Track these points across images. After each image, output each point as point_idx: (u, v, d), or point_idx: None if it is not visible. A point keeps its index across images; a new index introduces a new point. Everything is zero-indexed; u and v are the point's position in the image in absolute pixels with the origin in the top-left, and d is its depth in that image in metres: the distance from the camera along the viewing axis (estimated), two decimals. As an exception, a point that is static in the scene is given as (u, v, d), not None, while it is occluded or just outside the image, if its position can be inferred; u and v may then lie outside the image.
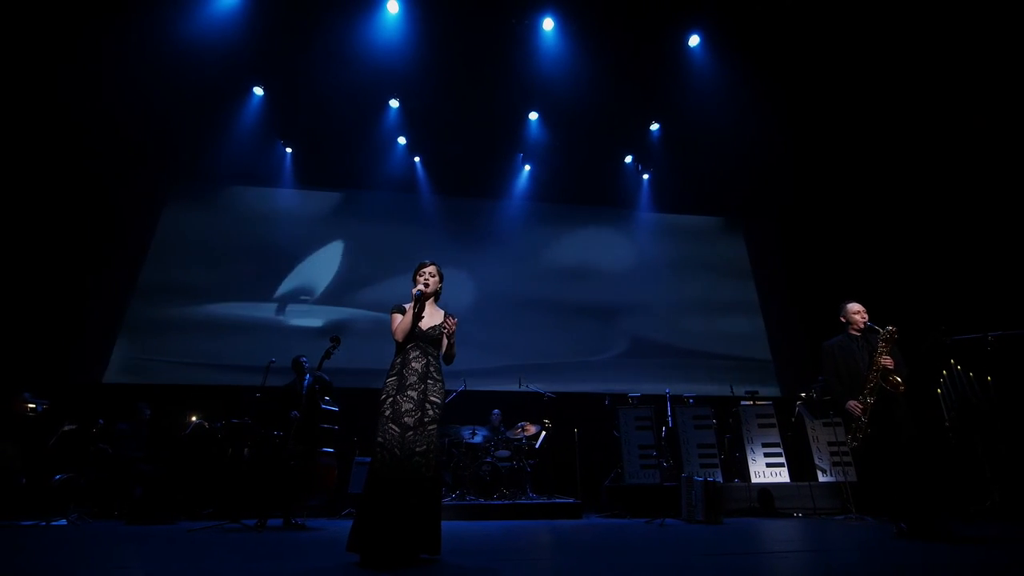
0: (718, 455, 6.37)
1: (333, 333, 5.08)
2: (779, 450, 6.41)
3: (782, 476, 6.28)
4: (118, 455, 5.63)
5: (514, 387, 7.45)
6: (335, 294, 8.59)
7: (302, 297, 8.49)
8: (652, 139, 8.83)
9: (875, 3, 6.36)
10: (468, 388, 6.82)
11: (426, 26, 6.78)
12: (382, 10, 6.66)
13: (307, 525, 4.64)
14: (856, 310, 3.85)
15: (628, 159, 9.42)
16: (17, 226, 7.20)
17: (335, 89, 7.55)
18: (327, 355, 4.65)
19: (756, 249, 10.16)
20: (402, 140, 8.73)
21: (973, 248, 7.06)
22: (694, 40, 7.17)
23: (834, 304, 4.06)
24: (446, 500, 5.72)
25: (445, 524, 2.85)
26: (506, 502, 5.71)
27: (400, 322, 2.85)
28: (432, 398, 2.75)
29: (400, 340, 2.85)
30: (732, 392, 7.62)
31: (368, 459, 5.40)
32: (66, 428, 5.49)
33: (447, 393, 2.99)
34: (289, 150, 8.90)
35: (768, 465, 6.34)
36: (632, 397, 6.71)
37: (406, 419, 2.64)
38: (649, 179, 9.84)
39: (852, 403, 3.61)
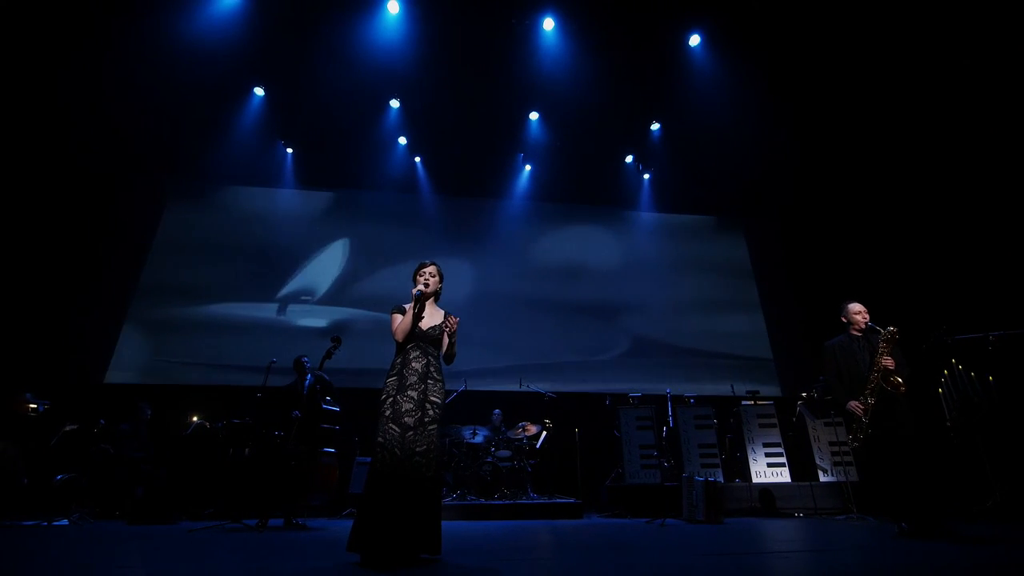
0: (719, 455, 6.36)
1: (334, 333, 5.09)
2: (780, 450, 6.40)
3: (783, 476, 6.27)
4: (120, 455, 5.64)
5: (515, 387, 7.45)
6: (336, 294, 8.60)
7: (303, 297, 8.50)
8: (653, 139, 8.83)
9: (876, 1, 6.35)
10: (469, 388, 6.83)
11: (426, 26, 6.78)
12: (382, 10, 6.66)
13: (308, 525, 4.64)
14: (857, 310, 3.85)
15: (629, 159, 9.41)
16: (19, 226, 7.22)
17: (336, 89, 7.56)
18: (328, 355, 4.66)
19: (757, 248, 10.15)
20: (403, 140, 8.74)
21: (974, 247, 7.05)
22: (695, 40, 7.16)
23: (835, 304, 4.06)
24: (447, 500, 5.72)
25: (446, 524, 2.86)
26: (507, 502, 5.71)
27: (400, 322, 2.85)
28: (432, 398, 2.75)
29: (400, 340, 2.85)
30: (733, 392, 7.62)
31: (369, 459, 5.41)
32: (68, 428, 5.51)
33: (448, 393, 2.99)
34: (290, 150, 8.91)
35: (769, 465, 6.33)
36: (633, 397, 6.71)
37: (406, 419, 2.64)
38: (650, 179, 9.84)
39: (853, 403, 3.62)
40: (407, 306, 2.89)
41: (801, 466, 6.40)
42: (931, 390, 6.07)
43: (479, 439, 6.38)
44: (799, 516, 5.67)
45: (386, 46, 6.88)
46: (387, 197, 9.30)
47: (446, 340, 2.92)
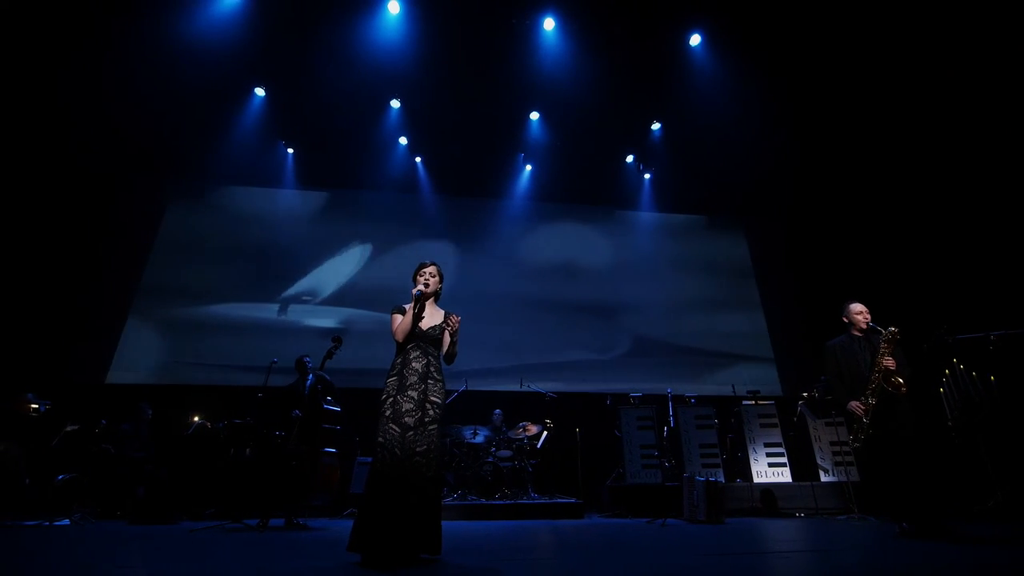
0: (720, 455, 6.36)
1: (335, 333, 5.09)
2: (781, 450, 6.40)
3: (784, 476, 6.26)
4: (121, 455, 5.64)
5: (516, 387, 7.46)
6: (337, 294, 8.60)
7: (304, 297, 8.50)
8: (653, 138, 8.82)
9: (876, 1, 6.34)
10: (470, 388, 6.83)
11: (427, 26, 6.78)
12: (383, 10, 6.67)
13: (309, 525, 4.64)
14: (858, 310, 3.85)
15: (630, 159, 9.41)
16: (21, 227, 7.23)
17: (336, 90, 7.56)
18: (329, 355, 4.66)
19: (758, 248, 10.15)
20: (403, 140, 8.74)
21: (976, 247, 7.04)
22: (695, 39, 7.15)
23: (836, 303, 4.06)
24: (448, 500, 5.72)
25: (447, 524, 2.86)
26: (508, 502, 5.71)
27: (400, 322, 2.86)
28: (433, 398, 2.75)
29: (400, 340, 2.85)
30: (734, 392, 7.61)
31: (370, 459, 5.41)
32: (69, 428, 5.51)
33: (448, 393, 2.99)
34: (291, 151, 8.92)
35: (770, 465, 6.32)
36: (634, 397, 6.70)
37: (406, 419, 2.64)
38: (650, 178, 9.83)
39: (854, 403, 3.62)
40: (407, 306, 2.89)
41: (802, 466, 6.39)
42: (932, 390, 6.06)
43: (480, 439, 6.38)
44: (800, 516, 5.67)
45: (386, 46, 6.88)
46: (388, 197, 9.30)
47: (447, 339, 2.92)
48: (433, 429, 2.70)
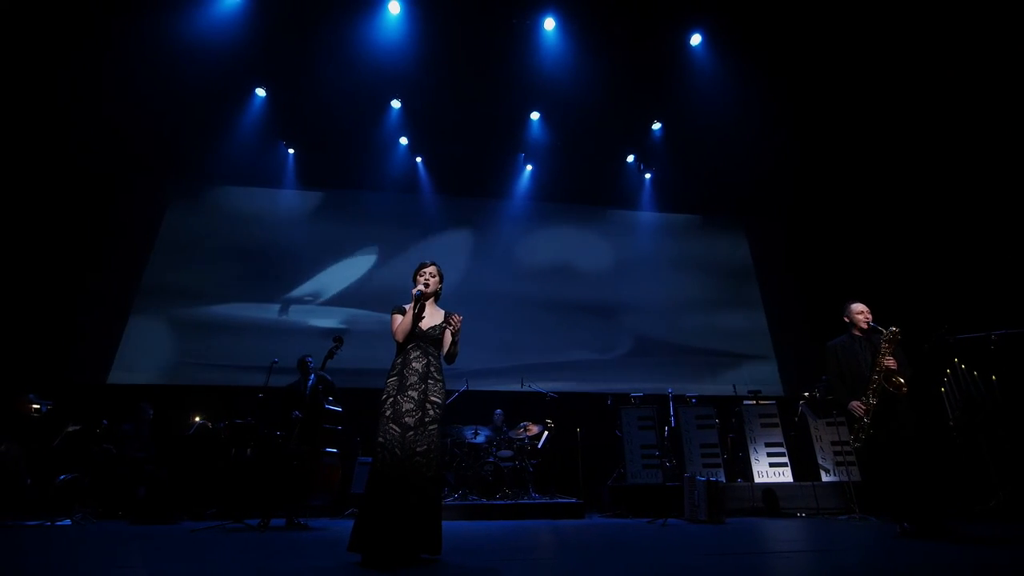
0: (721, 455, 6.36)
1: (336, 333, 5.08)
2: (782, 450, 6.39)
3: (785, 476, 6.26)
4: (122, 455, 5.64)
5: (516, 387, 7.45)
6: (338, 294, 8.61)
7: (305, 297, 8.51)
8: (654, 138, 8.82)
9: (877, 1, 6.33)
10: (470, 388, 6.83)
11: (427, 26, 6.78)
12: (383, 11, 6.67)
13: (310, 525, 4.64)
14: (859, 310, 3.84)
15: (630, 158, 9.40)
16: (20, 227, 7.23)
17: (337, 90, 7.56)
18: (330, 355, 4.65)
19: (759, 248, 10.14)
20: (404, 140, 8.74)
21: (977, 247, 7.03)
22: (696, 39, 7.15)
23: (837, 303, 4.06)
24: (449, 500, 5.73)
25: (447, 524, 2.86)
26: (508, 502, 5.71)
27: (400, 322, 2.85)
28: (433, 398, 2.75)
29: (400, 340, 2.85)
30: (735, 391, 7.61)
31: (371, 459, 5.41)
32: (70, 428, 5.52)
33: (449, 393, 3.00)
34: (291, 151, 8.92)
35: (771, 465, 6.32)
36: (635, 397, 6.70)
37: (407, 419, 2.64)
38: (651, 178, 9.83)
39: (855, 403, 3.62)
40: (407, 306, 2.89)
41: (803, 466, 6.39)
42: (934, 389, 6.05)
43: (481, 439, 6.38)
44: (801, 516, 5.66)
45: (387, 46, 6.88)
46: (388, 197, 9.30)
47: (448, 339, 2.92)
48: (433, 429, 2.70)
